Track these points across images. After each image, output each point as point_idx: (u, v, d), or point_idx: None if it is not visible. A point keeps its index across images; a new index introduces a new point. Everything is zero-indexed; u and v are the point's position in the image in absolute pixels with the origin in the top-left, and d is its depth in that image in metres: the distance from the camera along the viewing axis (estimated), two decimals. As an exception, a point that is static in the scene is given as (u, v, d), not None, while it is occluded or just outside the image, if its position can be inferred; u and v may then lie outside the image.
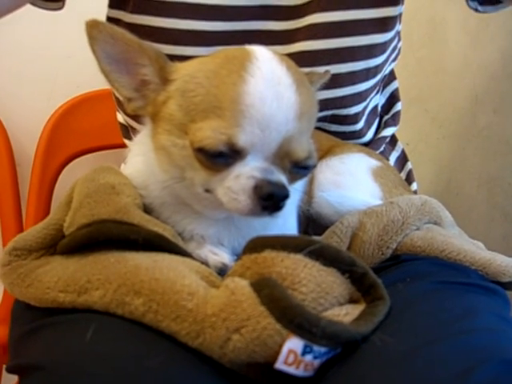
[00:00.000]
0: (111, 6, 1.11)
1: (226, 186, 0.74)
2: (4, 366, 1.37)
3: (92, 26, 0.77)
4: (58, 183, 1.61)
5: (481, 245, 0.96)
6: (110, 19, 1.11)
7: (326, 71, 0.97)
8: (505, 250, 0.90)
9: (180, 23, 1.02)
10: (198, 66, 0.78)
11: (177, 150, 0.77)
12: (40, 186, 1.57)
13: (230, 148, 0.72)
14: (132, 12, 1.05)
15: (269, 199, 0.73)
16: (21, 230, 1.57)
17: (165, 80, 0.79)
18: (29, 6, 1.03)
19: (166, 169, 0.81)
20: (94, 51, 0.78)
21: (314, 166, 0.80)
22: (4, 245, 1.58)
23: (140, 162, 0.88)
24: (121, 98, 1.14)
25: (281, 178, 0.75)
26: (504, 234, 1.52)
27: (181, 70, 0.79)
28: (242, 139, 0.71)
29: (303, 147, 0.75)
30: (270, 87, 0.72)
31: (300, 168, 0.77)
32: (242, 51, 0.77)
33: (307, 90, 0.78)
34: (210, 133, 0.72)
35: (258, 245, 0.71)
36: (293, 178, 0.79)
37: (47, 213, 1.58)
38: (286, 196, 0.74)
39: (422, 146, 1.81)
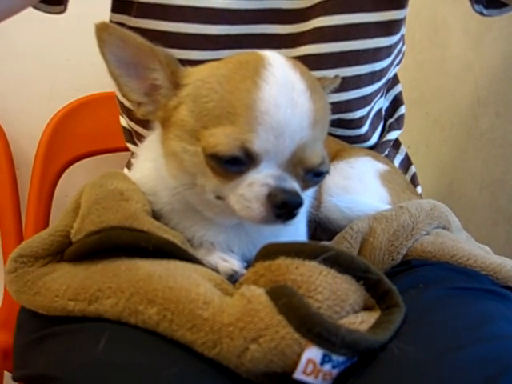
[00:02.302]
0: (114, 10, 1.10)
1: (239, 193, 0.73)
2: (4, 372, 1.38)
3: (102, 29, 0.75)
4: (58, 187, 1.60)
5: (488, 249, 0.96)
6: (113, 23, 1.09)
7: (336, 76, 0.96)
8: (508, 254, 0.90)
9: (185, 27, 1.01)
10: (211, 71, 0.76)
11: (188, 156, 0.76)
12: (40, 189, 1.56)
13: (244, 153, 0.71)
14: (136, 16, 1.04)
15: (283, 207, 0.72)
16: (20, 234, 1.56)
17: (176, 85, 0.78)
18: (28, 9, 1.02)
19: (176, 175, 0.80)
20: (103, 54, 0.76)
21: (327, 173, 0.79)
22: (3, 248, 1.57)
23: (148, 167, 0.87)
24: (125, 103, 1.13)
25: (294, 185, 0.74)
26: (507, 238, 1.52)
27: (192, 74, 0.78)
28: (257, 144, 0.70)
29: (317, 154, 0.74)
30: (284, 93, 0.71)
31: (313, 175, 0.77)
32: (254, 56, 0.76)
33: (320, 96, 0.77)
34: (223, 138, 0.70)
35: (272, 251, 0.70)
36: (305, 185, 0.78)
37: (47, 217, 1.57)
38: (300, 204, 0.73)
39: (424, 149, 1.81)
